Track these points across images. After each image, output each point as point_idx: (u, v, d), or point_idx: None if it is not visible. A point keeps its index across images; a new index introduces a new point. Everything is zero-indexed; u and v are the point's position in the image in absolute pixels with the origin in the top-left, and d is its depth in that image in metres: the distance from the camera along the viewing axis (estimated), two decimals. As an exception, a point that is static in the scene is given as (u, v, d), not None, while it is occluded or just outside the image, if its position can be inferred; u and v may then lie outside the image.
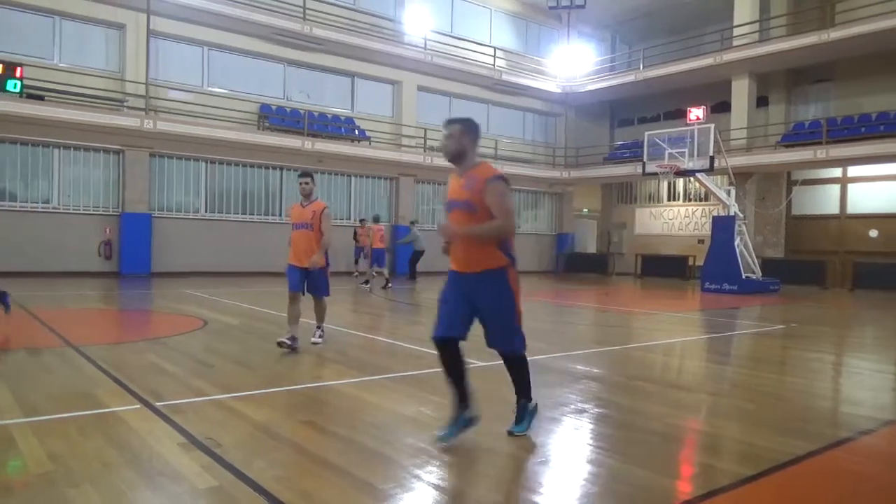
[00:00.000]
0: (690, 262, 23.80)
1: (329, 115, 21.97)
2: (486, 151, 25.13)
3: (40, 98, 16.33)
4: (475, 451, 3.88)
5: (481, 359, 6.82)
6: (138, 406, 4.58)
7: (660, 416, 4.78)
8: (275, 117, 20.52)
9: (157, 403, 4.63)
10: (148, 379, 5.46)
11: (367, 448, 3.85)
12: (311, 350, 7.12)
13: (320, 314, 7.47)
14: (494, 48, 25.67)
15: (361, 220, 19.21)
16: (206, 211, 19.47)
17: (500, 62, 25.75)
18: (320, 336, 7.47)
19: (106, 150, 17.81)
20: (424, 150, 23.23)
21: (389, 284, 16.32)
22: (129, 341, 7.91)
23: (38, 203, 16.99)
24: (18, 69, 15.61)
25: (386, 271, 16.85)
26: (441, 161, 24.35)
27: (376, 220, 18.12)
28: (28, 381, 5.28)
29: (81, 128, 16.79)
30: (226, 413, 4.52)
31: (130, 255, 17.67)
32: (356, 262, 19.34)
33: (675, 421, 4.74)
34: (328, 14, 21.14)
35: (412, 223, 19.16)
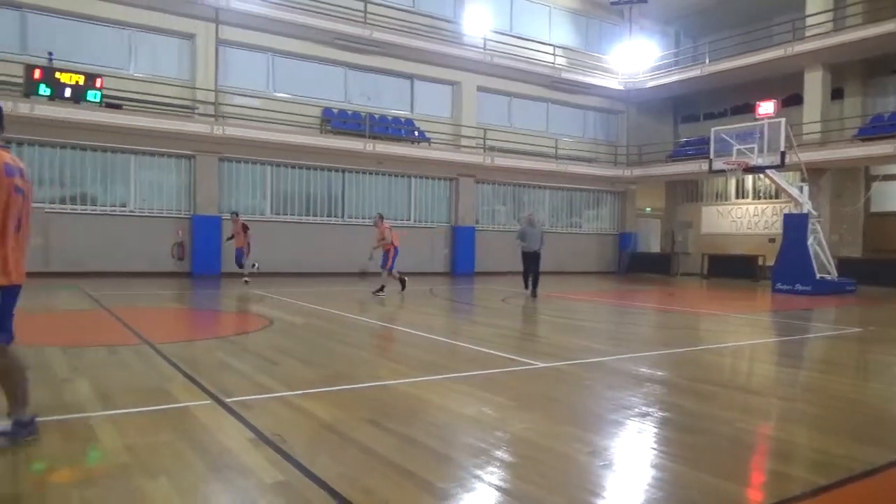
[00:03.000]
0: (760, 261, 22.95)
1: (389, 118, 22.23)
2: (546, 151, 24.95)
3: (118, 107, 17.15)
4: (536, 453, 3.85)
5: (536, 360, 6.78)
6: (209, 402, 4.75)
7: (728, 421, 4.63)
8: (336, 120, 20.93)
9: (227, 399, 4.79)
10: (217, 375, 5.66)
11: (427, 447, 3.88)
12: (372, 350, 7.23)
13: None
14: (554, 46, 25.42)
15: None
16: (271, 213, 20.02)
17: (559, 60, 25.48)
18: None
19: (178, 156, 18.55)
20: (484, 151, 23.22)
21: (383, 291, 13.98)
22: (200, 339, 8.23)
23: (116, 206, 17.84)
24: (98, 80, 16.45)
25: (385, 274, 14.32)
26: (503, 160, 24.15)
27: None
28: (107, 376, 5.56)
29: (155, 135, 17.55)
30: (291, 410, 4.64)
31: (201, 256, 18.36)
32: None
33: (744, 426, 4.59)
34: (388, 17, 21.41)
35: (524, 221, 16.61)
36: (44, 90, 15.84)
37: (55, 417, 4.29)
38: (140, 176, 18.20)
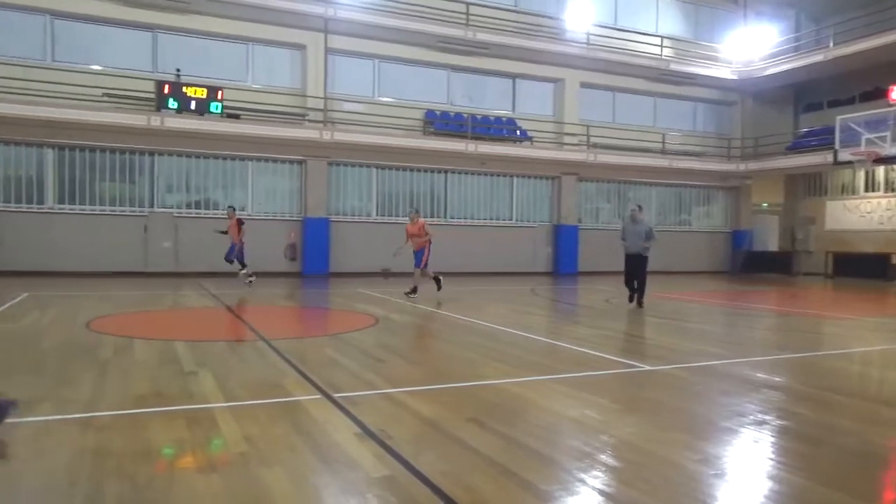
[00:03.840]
0: (894, 260, 21.08)
1: (491, 118, 22.29)
2: (653, 146, 24.12)
3: (237, 117, 18.26)
4: (643, 458, 3.75)
5: (643, 362, 6.57)
6: (318, 396, 4.97)
7: (854, 432, 4.30)
8: (439, 122, 21.23)
9: (335, 395, 4.99)
10: (327, 372, 5.91)
11: (530, 448, 3.87)
12: (475, 349, 7.28)
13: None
14: (661, 37, 24.51)
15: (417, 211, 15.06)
16: (376, 214, 20.61)
17: (667, 51, 24.54)
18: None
19: (290, 161, 19.48)
20: (588, 148, 22.77)
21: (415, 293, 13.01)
22: (311, 336, 8.61)
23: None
24: (219, 92, 17.58)
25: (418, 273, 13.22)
26: (607, 157, 23.40)
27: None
28: (228, 370, 5.94)
29: (270, 141, 18.53)
30: (396, 406, 4.77)
31: (312, 256, 19.20)
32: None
33: (873, 438, 4.24)
34: (490, 18, 21.46)
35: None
36: (172, 104, 17.11)
37: (182, 407, 4.65)
38: (256, 181, 19.28)
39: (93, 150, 17.36)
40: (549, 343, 8.14)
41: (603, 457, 3.73)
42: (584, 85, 23.54)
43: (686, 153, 24.99)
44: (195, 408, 4.62)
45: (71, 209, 17.14)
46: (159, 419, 4.33)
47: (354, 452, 3.71)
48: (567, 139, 23.00)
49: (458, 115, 21.54)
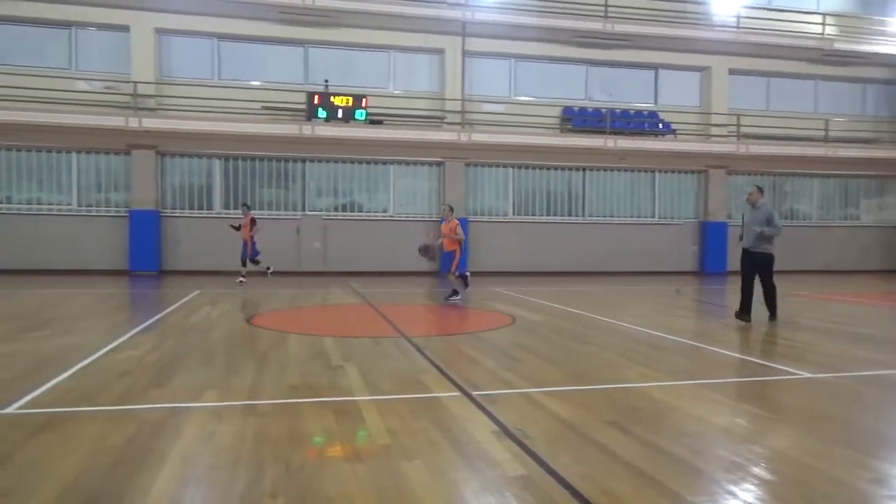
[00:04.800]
0: None
1: (631, 111, 21.54)
2: (813, 133, 22.15)
3: (380, 123, 19.07)
4: (802, 473, 3.46)
5: (801, 369, 6.04)
6: (457, 393, 5.07)
7: None
8: (577, 119, 20.86)
9: (473, 392, 5.06)
10: (465, 369, 6.01)
11: (673, 455, 3.70)
12: (615, 350, 7.09)
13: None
14: (823, 14, 22.43)
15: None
16: (513, 213, 20.64)
17: (829, 30, 22.41)
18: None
19: (429, 163, 20.03)
20: (738, 139, 21.36)
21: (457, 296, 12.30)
22: (450, 334, 8.80)
23: (378, 212, 19.85)
24: (364, 100, 18.46)
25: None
26: (759, 148, 21.65)
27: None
28: (372, 364, 6.22)
29: (410, 145, 19.17)
30: (533, 406, 4.76)
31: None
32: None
33: None
34: (630, 8, 20.76)
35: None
36: (321, 113, 18.20)
37: (330, 398, 4.94)
38: (398, 184, 20.02)
39: (252, 158, 18.89)
40: (695, 346, 7.72)
41: (756, 469, 3.50)
42: (733, 72, 22.09)
43: (853, 140, 22.66)
44: (342, 399, 4.89)
45: (235, 214, 18.73)
46: (310, 409, 4.64)
47: (493, 450, 3.75)
48: (714, 130, 21.72)
49: (597, 110, 21.04)
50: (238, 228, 15.33)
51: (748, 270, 9.28)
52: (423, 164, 20.01)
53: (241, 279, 14.98)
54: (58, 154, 17.80)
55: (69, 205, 17.90)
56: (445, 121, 20.11)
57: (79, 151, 17.87)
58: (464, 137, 19.27)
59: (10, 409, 4.49)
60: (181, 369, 5.91)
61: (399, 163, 19.83)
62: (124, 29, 18.19)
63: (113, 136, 17.35)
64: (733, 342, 7.81)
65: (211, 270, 17.55)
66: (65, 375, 5.51)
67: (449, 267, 12.15)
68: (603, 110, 20.84)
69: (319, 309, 11.35)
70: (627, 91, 21.94)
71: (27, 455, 3.61)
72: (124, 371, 5.77)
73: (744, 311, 9.18)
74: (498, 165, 20.44)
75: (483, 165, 20.34)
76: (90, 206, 18.05)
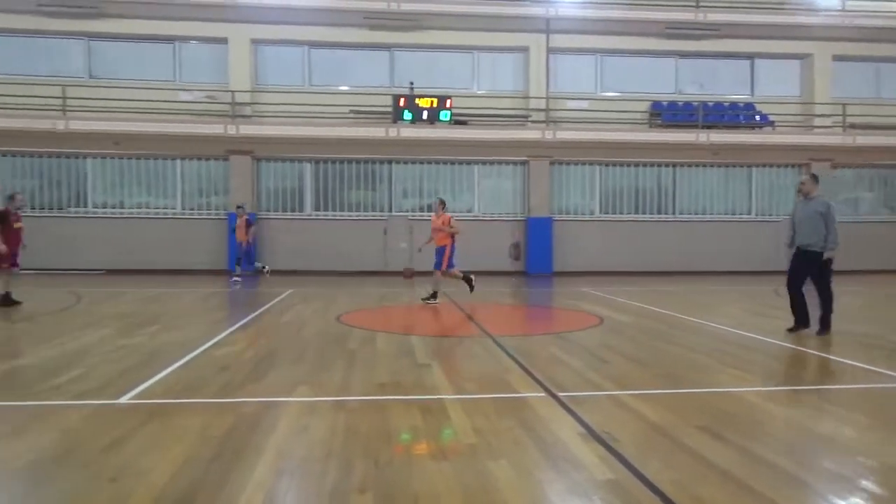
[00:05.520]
0: None
1: (725, 104, 20.64)
2: (931, 122, 20.45)
3: (464, 123, 19.18)
4: (915, 488, 3.23)
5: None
6: (543, 394, 5.04)
7: None
8: (667, 113, 20.21)
9: (560, 393, 5.02)
10: (551, 370, 5.96)
11: (771, 464, 3.54)
12: (706, 352, 6.84)
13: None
14: (941, -7, 20.73)
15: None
16: (599, 212, 20.22)
17: (949, 9, 20.67)
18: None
19: (513, 163, 19.95)
20: (843, 129, 20.04)
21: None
22: (535, 334, 8.75)
23: (463, 212, 19.91)
24: (448, 101, 18.63)
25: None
26: (868, 139, 20.23)
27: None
28: (457, 363, 6.28)
29: (495, 144, 19.16)
30: (621, 409, 4.66)
31: (535, 255, 19.44)
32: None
33: None
34: (722, -4, 19.96)
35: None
36: (406, 115, 18.52)
37: (418, 397, 5.03)
38: (482, 183, 20.06)
39: (341, 161, 19.45)
40: (793, 349, 7.31)
41: (864, 482, 3.29)
42: (836, 58, 20.74)
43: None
44: (428, 398, 4.97)
45: (325, 215, 19.38)
46: (397, 406, 4.74)
47: (579, 452, 3.71)
48: (817, 121, 20.48)
49: (688, 104, 20.30)
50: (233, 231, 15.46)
51: (797, 272, 7.97)
52: (507, 163, 19.95)
53: (237, 278, 15.20)
54: (164, 161, 18.98)
55: (174, 209, 19.06)
56: (530, 119, 19.97)
57: (182, 158, 18.99)
58: (548, 135, 19.08)
59: (122, 399, 4.85)
60: (275, 365, 6.18)
61: (483, 162, 19.86)
62: (222, 41, 19.19)
63: (213, 143, 18.34)
64: (837, 346, 7.35)
65: (302, 270, 18.19)
66: (171, 369, 5.89)
67: (439, 263, 11.38)
68: (694, 103, 20.09)
69: (406, 308, 11.55)
70: (721, 83, 21.05)
71: (138, 443, 3.89)
72: (224, 366, 6.09)
73: (800, 325, 8.04)
74: (584, 163, 20.09)
75: (568, 163, 20.06)
76: (192, 209, 19.15)
